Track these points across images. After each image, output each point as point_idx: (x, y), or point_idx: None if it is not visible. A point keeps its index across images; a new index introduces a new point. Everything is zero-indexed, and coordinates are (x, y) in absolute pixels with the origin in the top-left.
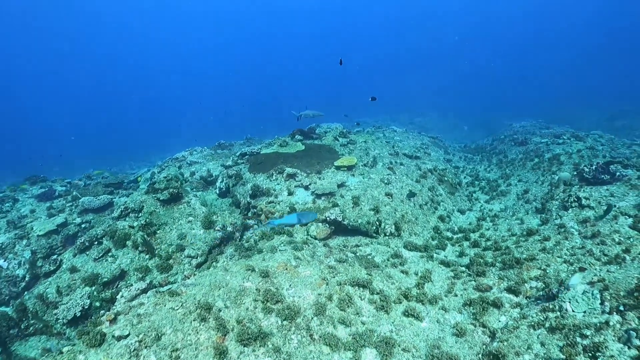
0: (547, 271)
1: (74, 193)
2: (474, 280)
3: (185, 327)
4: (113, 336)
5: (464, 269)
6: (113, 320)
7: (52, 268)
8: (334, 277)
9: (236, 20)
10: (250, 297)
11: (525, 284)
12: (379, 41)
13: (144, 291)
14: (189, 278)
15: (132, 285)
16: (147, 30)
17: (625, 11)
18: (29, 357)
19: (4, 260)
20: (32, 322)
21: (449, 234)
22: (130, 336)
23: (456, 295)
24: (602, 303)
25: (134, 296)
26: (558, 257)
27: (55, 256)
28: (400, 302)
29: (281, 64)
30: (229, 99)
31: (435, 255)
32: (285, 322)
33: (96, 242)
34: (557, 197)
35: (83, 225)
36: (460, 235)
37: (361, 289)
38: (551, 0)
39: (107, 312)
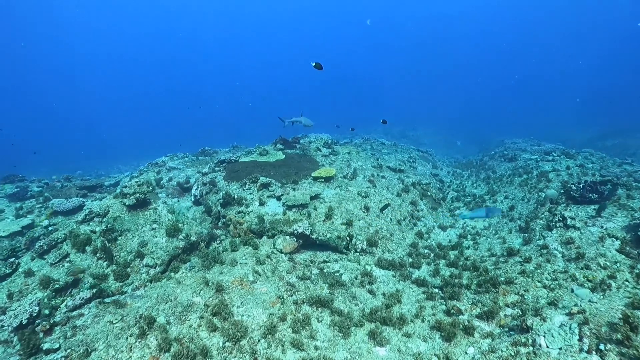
0: (525, 297)
1: (46, 194)
2: (445, 305)
3: (119, 344)
4: (41, 349)
5: (437, 290)
6: (48, 331)
7: (7, 271)
8: (292, 295)
9: (249, 22)
10: (197, 314)
11: (500, 312)
12: (379, 54)
13: (89, 300)
14: (139, 289)
15: (78, 294)
16: (150, 30)
17: (619, 32)
18: None
19: None
20: None
21: (426, 252)
22: (59, 350)
23: (423, 321)
24: (580, 339)
25: (77, 306)
26: (538, 281)
27: (12, 259)
28: (362, 326)
29: (280, 75)
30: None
31: (409, 274)
32: (228, 344)
33: (55, 246)
34: (542, 215)
35: (50, 228)
36: (438, 253)
37: (320, 309)
38: (547, 17)
39: (43, 322)
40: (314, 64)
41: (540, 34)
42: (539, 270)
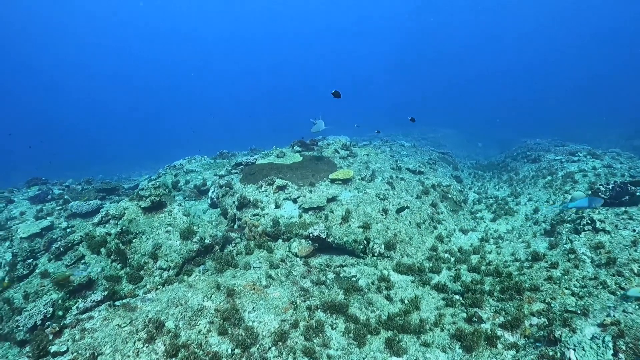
0: (552, 305)
1: (65, 197)
2: (466, 312)
3: (126, 348)
4: (49, 352)
5: (458, 297)
6: (57, 334)
7: (25, 272)
8: (306, 300)
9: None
10: (207, 319)
11: (525, 320)
12: (399, 54)
13: (100, 303)
14: (151, 292)
15: (90, 295)
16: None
17: None
18: None
19: None
20: None
21: (447, 256)
22: (67, 353)
23: (443, 329)
24: (615, 354)
25: (87, 308)
26: (565, 288)
27: (30, 260)
28: (378, 334)
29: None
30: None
31: (428, 279)
32: (237, 351)
33: (71, 248)
34: (569, 218)
35: (68, 230)
36: (459, 257)
37: (334, 315)
38: (570, 15)
39: (53, 325)
40: (333, 93)
41: (566, 36)
42: (566, 277)
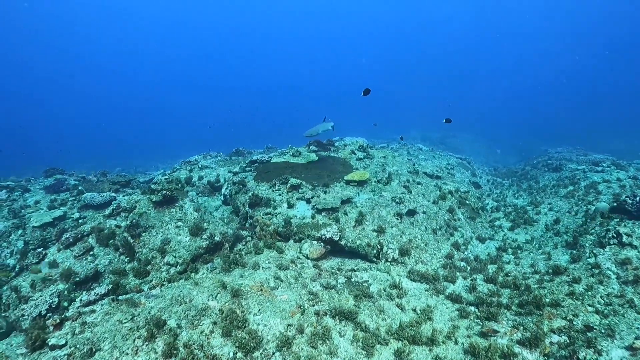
0: (574, 323)
1: (80, 188)
2: (482, 325)
3: (125, 345)
4: (47, 344)
5: (473, 308)
6: (58, 326)
7: (34, 261)
8: (314, 305)
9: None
10: (210, 319)
11: (545, 338)
12: (420, 60)
13: (103, 296)
14: (156, 287)
15: (94, 289)
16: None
17: None
18: None
19: None
20: (3, 314)
21: (463, 264)
22: (65, 347)
23: (457, 343)
24: None
25: (91, 301)
26: (589, 305)
27: (40, 249)
28: (387, 344)
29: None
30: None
31: (442, 288)
32: (239, 354)
33: (81, 239)
34: (593, 231)
35: (80, 221)
36: (475, 266)
37: (343, 322)
38: (595, 20)
39: (53, 316)
40: (363, 91)
41: (591, 42)
42: (590, 293)
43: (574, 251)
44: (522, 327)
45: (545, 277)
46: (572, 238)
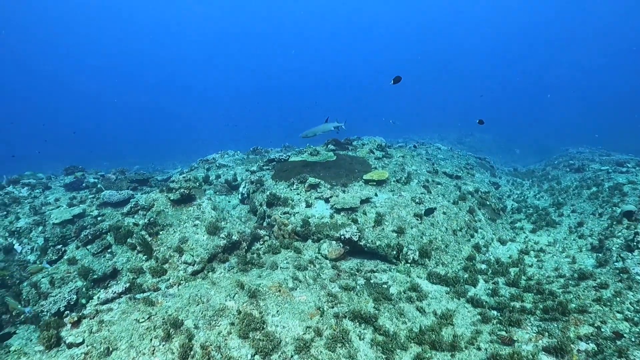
0: (602, 330)
1: (99, 186)
2: (505, 331)
3: (142, 345)
4: (65, 342)
5: (495, 312)
6: (76, 323)
7: (54, 258)
8: (333, 307)
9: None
10: (228, 320)
11: (572, 345)
12: (439, 60)
13: (121, 295)
14: (173, 286)
15: (112, 287)
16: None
17: None
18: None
19: (19, 244)
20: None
21: (484, 267)
22: (82, 345)
23: (479, 349)
24: None
25: (108, 299)
26: (618, 312)
27: (60, 246)
28: (407, 349)
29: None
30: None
31: (463, 291)
32: (257, 357)
33: (100, 237)
34: (620, 234)
35: (99, 218)
36: (496, 269)
37: (363, 325)
38: (617, 21)
39: (71, 314)
40: (393, 80)
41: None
42: (618, 299)
43: (600, 255)
44: (547, 333)
45: (570, 282)
46: (597, 241)
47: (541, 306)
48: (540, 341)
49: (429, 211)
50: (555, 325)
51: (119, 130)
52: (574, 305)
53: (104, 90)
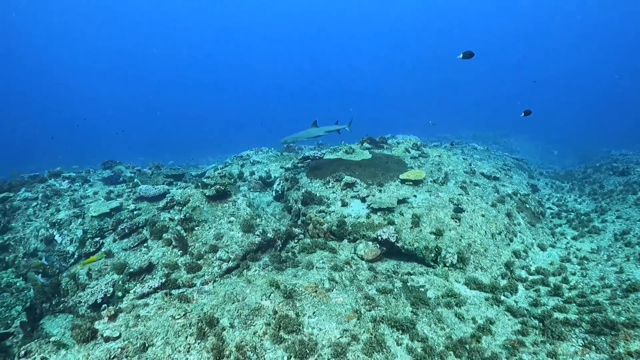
0: None
1: (135, 180)
2: (549, 343)
3: (178, 342)
4: (102, 335)
5: (536, 322)
6: (113, 317)
7: (92, 250)
8: (371, 310)
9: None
10: (264, 320)
11: None
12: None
13: (156, 290)
14: (208, 283)
15: (148, 281)
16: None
17: None
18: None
19: (59, 235)
20: (62, 299)
21: (523, 274)
22: (119, 339)
23: None
24: None
25: (144, 294)
26: None
27: (98, 238)
28: (445, 358)
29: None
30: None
31: (503, 298)
32: None
33: (136, 230)
34: None
35: (135, 212)
36: (537, 277)
37: (400, 330)
38: None
39: (108, 307)
40: (463, 55)
41: None
42: None
43: None
44: (594, 347)
45: (617, 293)
46: None
47: (587, 318)
48: (587, 355)
49: (469, 215)
50: (603, 338)
51: (155, 128)
52: (623, 319)
53: (141, 91)
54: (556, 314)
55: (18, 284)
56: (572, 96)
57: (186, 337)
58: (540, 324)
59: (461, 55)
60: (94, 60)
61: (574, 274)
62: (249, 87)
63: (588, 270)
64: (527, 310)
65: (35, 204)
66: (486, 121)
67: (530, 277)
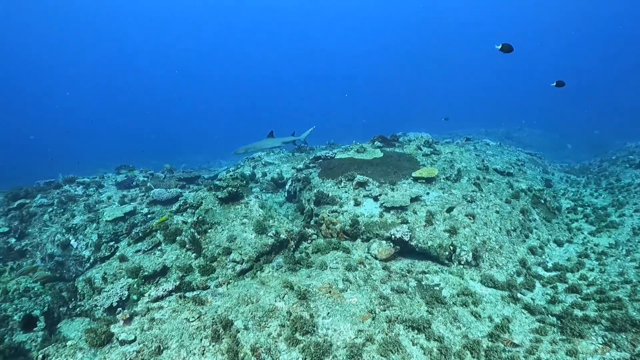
0: None
1: (149, 184)
2: (568, 341)
3: (192, 345)
4: (117, 339)
5: (554, 320)
6: (128, 320)
7: (107, 254)
8: (385, 310)
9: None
10: (278, 321)
11: None
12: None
13: (171, 293)
14: (222, 285)
15: (162, 284)
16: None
17: None
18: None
19: (75, 240)
20: (79, 303)
21: (540, 271)
22: (134, 343)
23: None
24: None
25: (159, 297)
26: None
27: (112, 242)
28: (462, 359)
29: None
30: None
31: (520, 296)
32: None
33: (150, 234)
34: None
35: (149, 216)
36: (554, 274)
37: (416, 329)
38: None
39: (124, 311)
40: (500, 47)
41: None
42: None
43: None
44: (615, 345)
45: (637, 288)
46: None
47: (607, 315)
48: (607, 353)
49: (483, 211)
50: (624, 336)
51: (167, 131)
52: None
53: (154, 93)
54: (575, 311)
55: (36, 289)
56: (584, 90)
57: (201, 340)
58: (559, 322)
59: (499, 47)
60: (103, 66)
61: (592, 269)
62: (258, 86)
63: (607, 265)
64: (544, 307)
65: (51, 209)
66: (498, 116)
67: (547, 274)
